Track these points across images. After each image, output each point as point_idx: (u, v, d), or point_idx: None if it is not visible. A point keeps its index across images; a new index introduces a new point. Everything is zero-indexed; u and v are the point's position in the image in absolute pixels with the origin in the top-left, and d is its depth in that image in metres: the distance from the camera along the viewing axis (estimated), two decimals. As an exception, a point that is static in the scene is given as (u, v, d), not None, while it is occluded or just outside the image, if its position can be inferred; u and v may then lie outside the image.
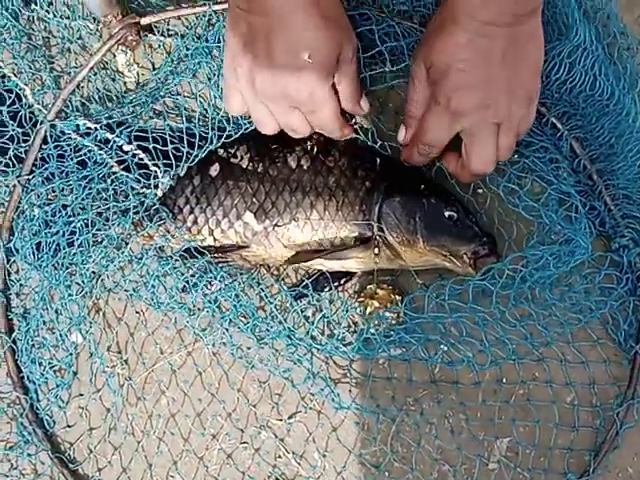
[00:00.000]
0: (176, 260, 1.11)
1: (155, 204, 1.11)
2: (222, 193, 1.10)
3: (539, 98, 1.02)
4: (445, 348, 1.12)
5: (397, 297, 1.14)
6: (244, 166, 1.11)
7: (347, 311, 1.14)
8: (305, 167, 1.09)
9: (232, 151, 1.13)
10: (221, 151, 1.13)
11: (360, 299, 1.15)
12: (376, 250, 1.08)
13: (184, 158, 1.08)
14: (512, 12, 0.90)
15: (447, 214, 1.08)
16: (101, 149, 1.11)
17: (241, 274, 1.14)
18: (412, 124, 1.05)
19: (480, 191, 1.18)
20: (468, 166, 1.02)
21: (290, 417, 1.14)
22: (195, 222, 1.11)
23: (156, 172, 1.09)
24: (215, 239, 1.11)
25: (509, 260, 1.05)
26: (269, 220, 1.08)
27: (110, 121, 1.13)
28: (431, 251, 1.07)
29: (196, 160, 1.08)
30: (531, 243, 1.13)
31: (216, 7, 1.13)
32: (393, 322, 1.12)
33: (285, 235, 1.09)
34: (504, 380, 1.13)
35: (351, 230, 1.07)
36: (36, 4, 1.22)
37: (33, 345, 1.14)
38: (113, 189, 1.10)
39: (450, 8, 0.93)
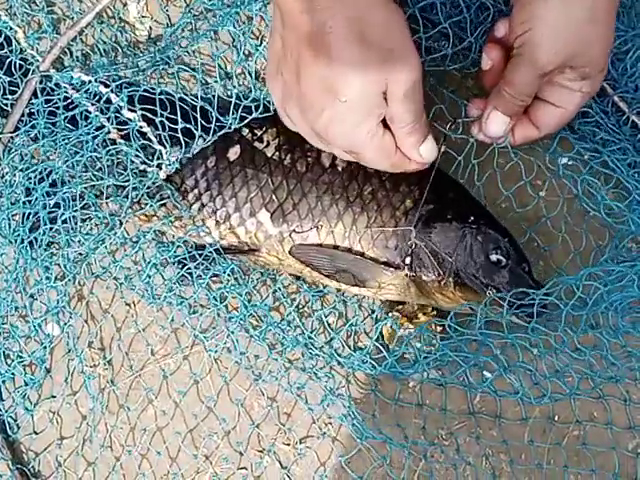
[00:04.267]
0: (178, 247, 1.00)
1: (158, 181, 0.99)
2: (238, 182, 0.99)
3: (618, 92, 1.00)
4: (489, 375, 0.99)
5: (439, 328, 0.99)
6: (269, 154, 0.99)
7: (377, 321, 1.01)
8: (340, 168, 0.97)
9: (258, 133, 1.01)
10: (245, 131, 1.01)
11: (395, 313, 1.01)
12: (405, 282, 0.96)
13: (197, 137, 0.96)
14: None
15: (494, 258, 0.95)
16: (100, 111, 0.99)
17: (254, 269, 1.02)
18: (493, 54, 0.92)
19: (542, 193, 1.06)
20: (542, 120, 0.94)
21: (299, 442, 1.02)
22: (201, 210, 1.00)
23: (160, 151, 0.97)
24: (221, 235, 1.00)
25: (583, 276, 0.90)
26: (287, 224, 0.97)
27: (113, 79, 1.00)
28: (463, 298, 0.95)
29: (211, 141, 0.97)
30: (603, 258, 1.00)
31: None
32: (432, 340, 0.99)
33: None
34: (556, 418, 1.00)
35: (379, 254, 0.95)
36: None
37: (0, 334, 1.03)
38: (110, 159, 0.99)
39: None
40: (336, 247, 0.96)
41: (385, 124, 0.85)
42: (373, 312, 1.02)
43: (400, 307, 1.00)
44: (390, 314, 1.00)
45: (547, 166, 1.05)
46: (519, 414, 1.00)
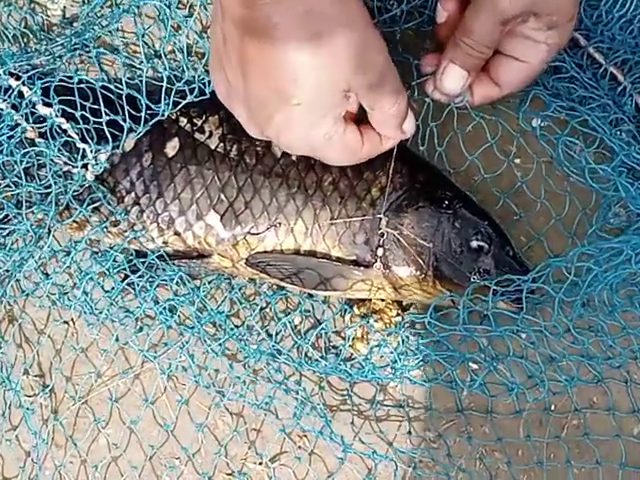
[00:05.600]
0: (117, 255, 0.91)
1: (86, 182, 0.90)
2: (180, 181, 0.90)
3: (593, 42, 0.92)
4: (475, 366, 0.92)
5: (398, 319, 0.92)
6: (212, 146, 0.91)
7: (350, 319, 0.92)
8: (294, 157, 0.89)
9: (198, 123, 0.92)
10: (184, 121, 0.92)
11: (362, 310, 0.93)
12: (379, 281, 0.88)
13: (125, 130, 0.87)
14: None
15: (475, 244, 0.88)
16: (13, 107, 0.88)
17: (206, 273, 0.93)
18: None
19: (518, 161, 0.98)
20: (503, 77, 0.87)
21: (273, 460, 0.94)
22: (140, 217, 0.91)
23: (84, 150, 0.88)
24: (165, 242, 0.91)
25: (575, 256, 0.82)
26: (240, 226, 0.89)
27: (25, 70, 0.90)
28: (443, 291, 0.88)
29: (141, 133, 0.88)
30: (591, 230, 0.92)
31: None
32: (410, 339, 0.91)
33: (259, 248, 0.89)
34: (552, 407, 0.93)
35: (346, 252, 0.87)
36: None
37: None
38: (29, 162, 0.89)
39: None
40: (297, 251, 0.88)
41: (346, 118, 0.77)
42: (345, 311, 0.94)
43: (368, 304, 0.92)
44: (358, 311, 0.92)
45: (521, 129, 0.97)
46: (512, 407, 0.92)
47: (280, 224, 0.88)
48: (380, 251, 0.86)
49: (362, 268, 0.87)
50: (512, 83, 0.87)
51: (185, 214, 0.89)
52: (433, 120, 0.94)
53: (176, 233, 0.89)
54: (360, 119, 0.79)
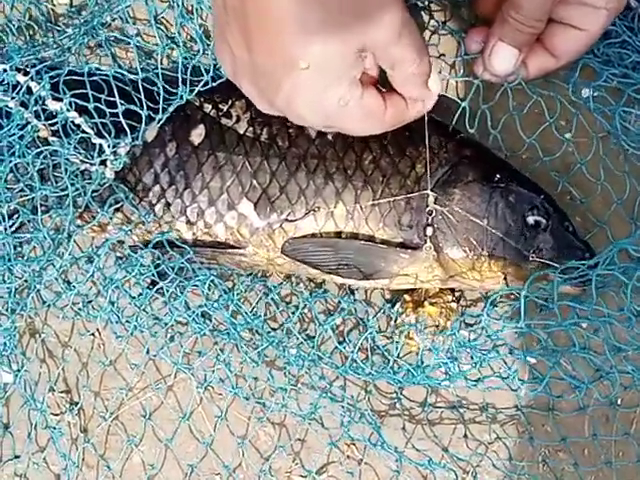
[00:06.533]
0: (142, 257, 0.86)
1: (107, 181, 0.85)
2: (208, 170, 0.86)
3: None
4: (534, 361, 0.88)
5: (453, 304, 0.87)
6: (241, 131, 0.86)
7: (396, 319, 0.87)
8: (330, 137, 0.85)
9: (224, 108, 0.88)
10: (208, 107, 0.88)
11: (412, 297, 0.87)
12: (428, 265, 0.83)
13: (143, 118, 0.82)
14: None
15: (531, 220, 0.83)
16: (22, 104, 0.83)
17: (238, 274, 0.89)
18: None
19: (569, 135, 0.90)
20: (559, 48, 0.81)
21: (319, 472, 0.90)
22: (167, 210, 0.87)
23: (100, 145, 0.83)
24: (195, 236, 0.87)
25: None
26: (276, 213, 0.84)
27: (33, 64, 0.85)
28: (496, 274, 0.84)
29: (160, 122, 0.84)
30: None
31: None
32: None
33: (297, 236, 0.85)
34: (619, 402, 0.88)
35: (392, 234, 0.83)
36: None
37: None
38: (44, 163, 0.85)
39: None
40: (338, 235, 0.83)
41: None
42: (394, 302, 0.89)
43: (419, 290, 0.87)
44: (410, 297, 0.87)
45: (571, 101, 0.89)
46: (575, 404, 0.87)
47: (319, 208, 0.84)
48: (429, 230, 0.81)
49: (409, 250, 0.82)
50: (570, 53, 0.81)
51: (215, 204, 0.85)
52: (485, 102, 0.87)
53: (206, 226, 0.85)
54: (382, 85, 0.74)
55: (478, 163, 0.85)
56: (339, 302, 0.88)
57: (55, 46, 0.89)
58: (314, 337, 0.87)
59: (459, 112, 0.85)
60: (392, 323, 0.87)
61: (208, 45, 0.85)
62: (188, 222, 0.86)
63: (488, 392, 0.87)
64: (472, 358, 0.84)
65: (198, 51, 0.84)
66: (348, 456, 0.89)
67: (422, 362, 0.83)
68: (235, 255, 0.85)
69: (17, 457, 0.92)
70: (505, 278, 0.82)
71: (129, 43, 0.90)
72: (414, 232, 0.82)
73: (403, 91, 0.74)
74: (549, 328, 0.79)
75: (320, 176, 0.84)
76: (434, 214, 0.82)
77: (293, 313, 0.87)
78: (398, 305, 0.87)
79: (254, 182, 0.85)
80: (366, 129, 0.75)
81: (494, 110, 0.87)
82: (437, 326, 0.84)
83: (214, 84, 0.82)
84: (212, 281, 0.84)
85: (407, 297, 0.87)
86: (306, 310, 0.89)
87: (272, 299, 0.87)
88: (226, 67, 0.74)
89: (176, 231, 0.86)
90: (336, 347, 0.86)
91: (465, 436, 0.88)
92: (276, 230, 0.84)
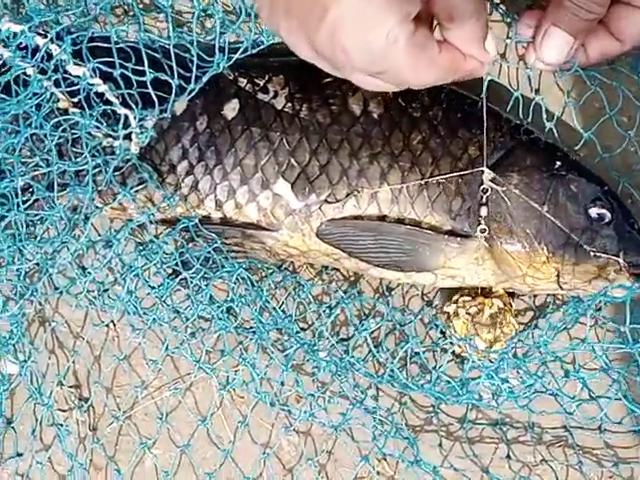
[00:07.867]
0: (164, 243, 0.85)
1: (130, 158, 0.82)
2: (242, 146, 0.84)
3: None
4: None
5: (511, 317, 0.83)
6: (279, 107, 0.84)
7: (437, 326, 0.83)
8: (376, 115, 0.83)
9: (260, 82, 0.86)
10: (243, 81, 0.86)
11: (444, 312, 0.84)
12: (479, 255, 0.81)
13: (174, 88, 0.79)
14: None
15: (594, 212, 0.80)
16: (41, 71, 0.80)
17: (268, 268, 0.86)
18: None
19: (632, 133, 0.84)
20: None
21: None
22: (195, 188, 0.85)
23: (126, 116, 0.79)
24: (225, 217, 0.84)
25: None
26: (315, 194, 0.82)
27: (52, 26, 0.82)
28: (555, 270, 0.80)
29: (192, 93, 0.80)
30: None
31: None
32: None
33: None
34: None
35: (440, 221, 0.81)
36: None
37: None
38: (62, 136, 0.82)
39: None
40: (382, 218, 0.81)
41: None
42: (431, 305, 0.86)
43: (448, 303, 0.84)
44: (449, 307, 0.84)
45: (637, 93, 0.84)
46: (629, 426, 0.82)
47: (362, 190, 0.81)
48: (483, 210, 0.79)
49: (459, 239, 0.79)
50: (637, 37, 0.76)
51: (248, 183, 0.83)
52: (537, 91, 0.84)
53: (237, 206, 0.84)
54: None
55: (537, 149, 0.83)
56: (374, 305, 0.85)
57: (80, 10, 0.85)
58: (346, 340, 0.83)
59: (512, 102, 0.82)
60: (434, 333, 0.84)
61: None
62: (217, 202, 0.83)
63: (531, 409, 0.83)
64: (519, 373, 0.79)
65: (237, 18, 0.79)
66: (378, 472, 0.86)
67: (466, 379, 0.79)
68: (267, 239, 0.82)
69: (20, 455, 0.92)
70: (558, 278, 0.78)
71: (160, 12, 0.86)
72: (465, 219, 0.80)
73: (460, 45, 0.70)
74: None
75: (364, 155, 0.82)
76: (489, 192, 0.78)
77: (325, 312, 0.83)
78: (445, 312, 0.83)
79: (292, 160, 0.83)
80: (418, 73, 0.70)
81: (549, 101, 0.84)
82: (491, 340, 0.80)
83: (253, 51, 0.78)
84: (239, 274, 0.80)
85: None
86: (338, 311, 0.85)
87: (302, 297, 0.84)
88: (262, 7, 0.70)
89: (203, 210, 0.84)
90: (370, 352, 0.82)
91: (508, 457, 0.85)
92: (314, 212, 0.82)
